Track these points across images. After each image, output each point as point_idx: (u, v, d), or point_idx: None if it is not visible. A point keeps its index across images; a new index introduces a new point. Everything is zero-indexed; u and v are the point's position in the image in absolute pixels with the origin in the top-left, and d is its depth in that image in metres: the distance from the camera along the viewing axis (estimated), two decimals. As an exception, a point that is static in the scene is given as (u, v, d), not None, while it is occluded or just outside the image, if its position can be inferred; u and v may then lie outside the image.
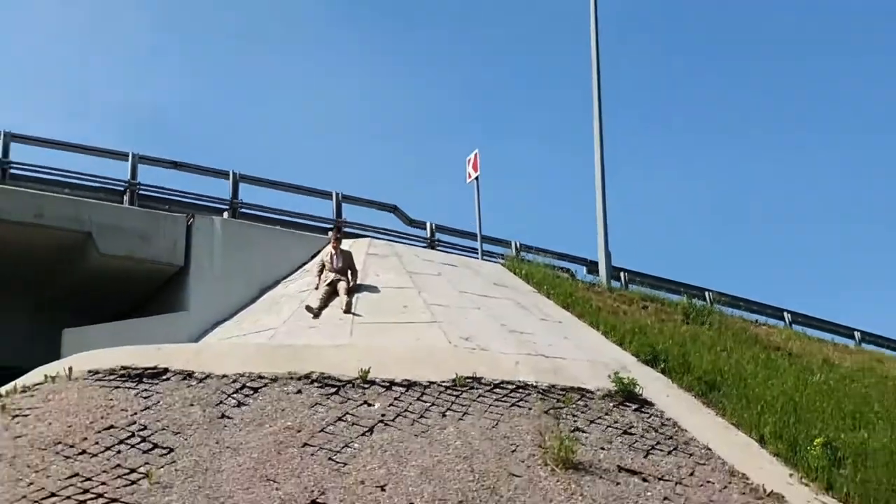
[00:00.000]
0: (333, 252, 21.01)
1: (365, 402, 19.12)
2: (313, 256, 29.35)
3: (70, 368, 19.84)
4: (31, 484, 15.66)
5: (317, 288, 20.48)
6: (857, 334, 42.11)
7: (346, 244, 29.64)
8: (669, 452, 18.92)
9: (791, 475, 18.96)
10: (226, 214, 30.74)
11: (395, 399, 19.48)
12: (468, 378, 20.53)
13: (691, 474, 18.30)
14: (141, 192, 29.99)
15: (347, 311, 20.28)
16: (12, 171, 29.73)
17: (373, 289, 25.75)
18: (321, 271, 21.24)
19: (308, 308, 20.27)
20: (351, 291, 20.22)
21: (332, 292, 19.97)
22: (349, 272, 21.22)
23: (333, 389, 19.39)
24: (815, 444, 19.57)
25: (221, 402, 18.46)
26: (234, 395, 18.76)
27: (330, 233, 21.77)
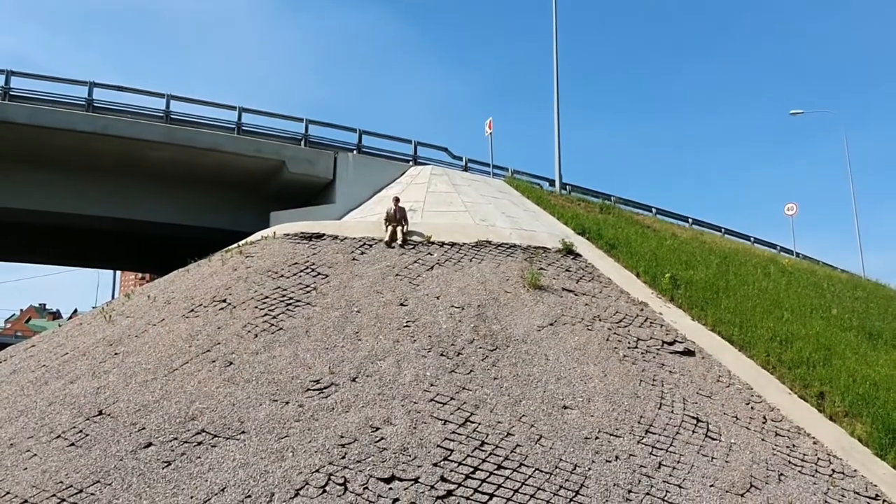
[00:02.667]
0: (394, 208, 20.96)
1: (429, 252, 20.40)
2: (403, 173, 29.84)
3: (275, 232, 22.28)
4: (256, 291, 17.79)
5: (386, 230, 20.41)
6: (689, 219, 42.04)
7: (418, 169, 30.34)
8: (589, 281, 19.96)
9: (652, 293, 19.93)
10: (354, 151, 31.11)
11: (445, 251, 20.75)
12: (484, 241, 21.60)
13: (600, 292, 19.42)
14: (310, 139, 30.37)
15: (403, 243, 20.46)
16: (244, 127, 30.18)
17: (434, 193, 26.13)
18: (387, 219, 21.21)
19: (384, 242, 20.48)
20: (404, 234, 20.17)
21: (394, 232, 19.92)
22: (403, 220, 21.28)
23: (412, 246, 20.76)
24: (665, 277, 20.44)
25: (353, 251, 20.30)
26: (359, 248, 20.65)
27: (392, 199, 21.64)
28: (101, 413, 12.91)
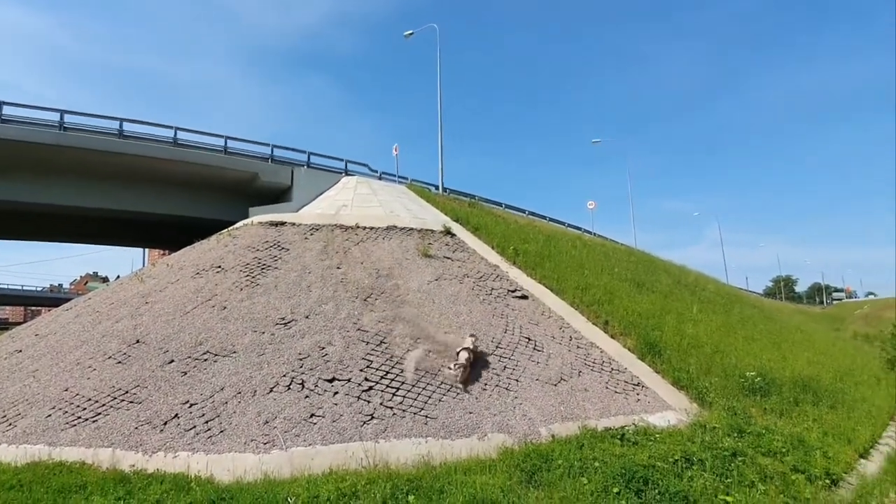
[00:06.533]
0: (470, 356, 13.31)
1: (357, 232, 19.53)
2: (337, 181, 30.13)
3: (252, 221, 21.81)
4: (240, 260, 17.79)
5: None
6: (526, 211, 42.69)
7: (348, 179, 30.75)
8: (461, 251, 20.24)
9: (502, 259, 20.06)
10: (305, 166, 30.96)
11: (367, 233, 20.27)
12: (392, 226, 21.27)
13: (468, 259, 19.64)
14: (274, 157, 30.15)
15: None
16: (229, 150, 30.56)
17: (359, 195, 26.06)
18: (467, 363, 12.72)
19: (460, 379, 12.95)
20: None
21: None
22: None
23: (345, 229, 20.45)
24: (510, 248, 20.79)
25: (305, 233, 20.02)
26: (309, 231, 20.23)
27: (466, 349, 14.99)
28: (138, 342, 12.89)
